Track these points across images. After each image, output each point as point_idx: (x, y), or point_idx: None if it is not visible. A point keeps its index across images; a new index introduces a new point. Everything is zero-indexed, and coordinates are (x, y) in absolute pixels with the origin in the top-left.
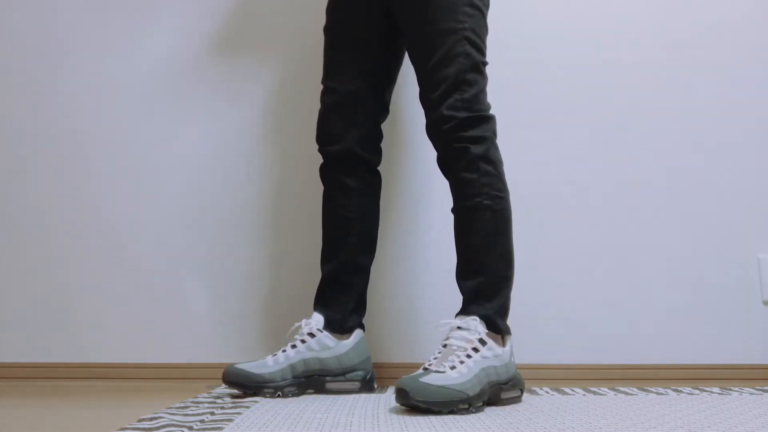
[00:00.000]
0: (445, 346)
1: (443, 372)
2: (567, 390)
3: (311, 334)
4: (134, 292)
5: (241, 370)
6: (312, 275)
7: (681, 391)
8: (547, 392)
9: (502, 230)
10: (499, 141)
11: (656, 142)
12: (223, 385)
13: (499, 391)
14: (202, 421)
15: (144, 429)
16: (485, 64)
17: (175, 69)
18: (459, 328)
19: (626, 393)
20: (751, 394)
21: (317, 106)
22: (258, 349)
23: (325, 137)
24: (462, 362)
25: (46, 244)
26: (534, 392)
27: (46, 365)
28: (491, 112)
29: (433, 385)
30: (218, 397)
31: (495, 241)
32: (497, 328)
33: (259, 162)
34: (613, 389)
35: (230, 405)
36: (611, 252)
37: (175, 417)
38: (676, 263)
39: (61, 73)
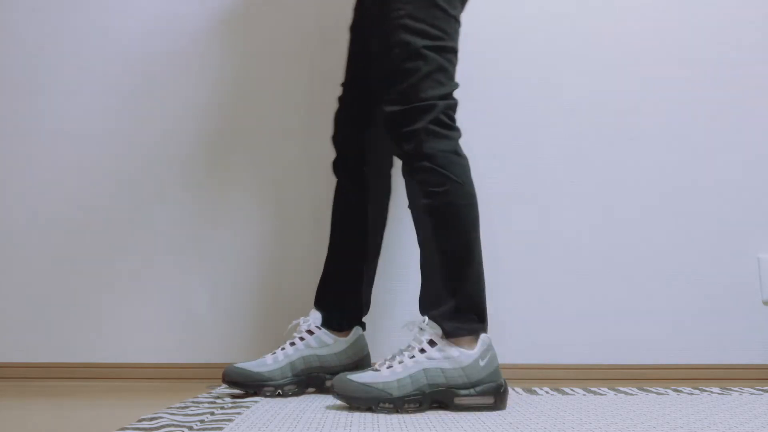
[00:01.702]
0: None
1: (378, 371)
2: (567, 390)
3: (309, 332)
4: (134, 292)
5: (241, 369)
6: (313, 275)
7: (681, 391)
8: (547, 392)
9: (446, 227)
10: (499, 140)
11: (656, 141)
12: (223, 385)
13: (452, 395)
14: (202, 421)
15: (144, 429)
16: (436, 47)
17: (175, 66)
18: (420, 329)
19: (626, 393)
20: (751, 394)
21: (319, 106)
22: (258, 348)
23: (336, 135)
24: (401, 362)
25: (46, 244)
26: (534, 392)
27: (47, 365)
28: (453, 94)
29: (355, 382)
30: (218, 397)
31: (439, 241)
32: (448, 332)
33: (261, 162)
34: (613, 389)
35: (230, 405)
36: (611, 252)
37: (175, 417)
38: (676, 263)
39: (62, 72)
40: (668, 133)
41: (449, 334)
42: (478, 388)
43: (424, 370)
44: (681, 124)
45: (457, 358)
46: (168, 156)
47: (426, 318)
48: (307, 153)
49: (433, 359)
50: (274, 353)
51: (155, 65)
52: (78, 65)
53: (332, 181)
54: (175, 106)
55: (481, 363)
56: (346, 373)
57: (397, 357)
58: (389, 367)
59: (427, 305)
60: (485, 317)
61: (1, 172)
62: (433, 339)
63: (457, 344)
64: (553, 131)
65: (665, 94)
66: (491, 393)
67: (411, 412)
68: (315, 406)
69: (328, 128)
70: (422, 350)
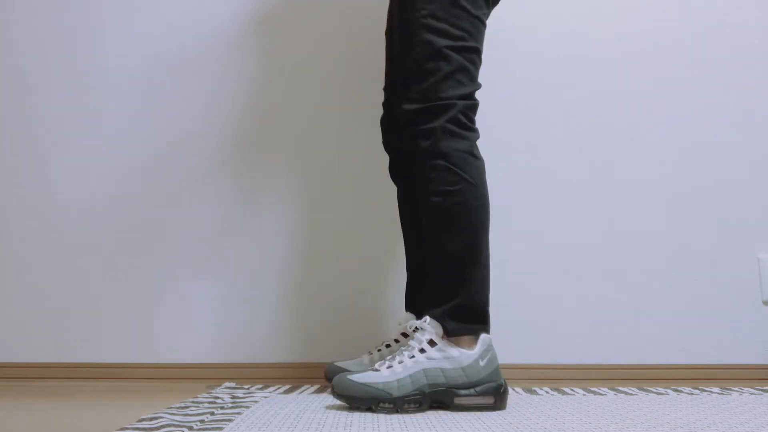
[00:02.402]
0: None
1: (378, 370)
2: (567, 390)
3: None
4: (134, 292)
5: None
6: (313, 276)
7: (681, 391)
8: (547, 392)
9: (455, 227)
10: (499, 140)
11: (656, 142)
12: (224, 385)
13: (452, 395)
14: (202, 421)
15: (144, 429)
16: (457, 47)
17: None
18: (418, 328)
19: (626, 393)
20: (751, 394)
21: (317, 105)
22: (258, 348)
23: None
24: (401, 362)
25: (46, 244)
26: (534, 392)
27: (46, 365)
28: (474, 95)
29: (356, 382)
30: (218, 397)
31: (447, 240)
32: (450, 331)
33: (262, 164)
34: (613, 389)
35: (230, 405)
36: (611, 252)
37: (175, 417)
38: (676, 263)
39: (62, 73)
40: (669, 133)
41: (450, 333)
42: (478, 388)
43: (423, 370)
44: (681, 125)
45: (457, 358)
46: (169, 156)
47: (427, 317)
48: (312, 155)
49: (433, 359)
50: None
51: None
52: (91, 64)
53: (338, 182)
54: (176, 103)
55: (481, 363)
56: (346, 372)
57: (397, 357)
58: (389, 367)
59: (429, 303)
60: (487, 319)
61: (2, 172)
62: (433, 339)
63: (458, 344)
64: (554, 131)
65: (666, 95)
66: (491, 393)
67: (411, 412)
68: (315, 406)
69: (340, 132)
70: (422, 350)
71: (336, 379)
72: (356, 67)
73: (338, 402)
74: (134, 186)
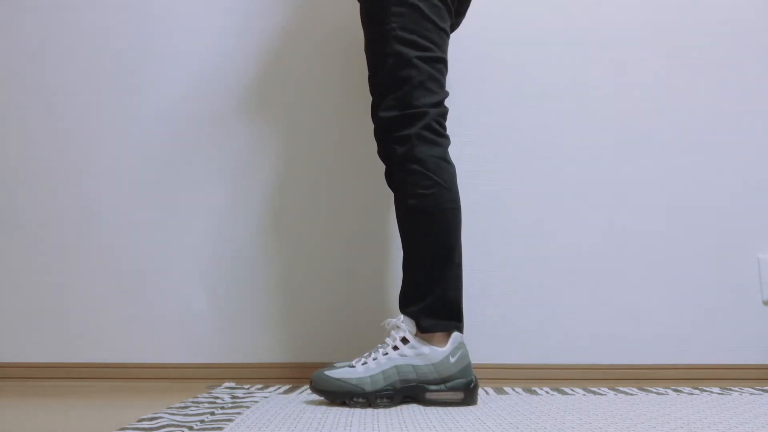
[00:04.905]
0: None
1: (353, 366)
2: (567, 390)
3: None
4: (134, 292)
5: None
6: (311, 276)
7: (681, 391)
8: (547, 392)
9: (429, 228)
10: (498, 141)
11: (656, 141)
12: (224, 385)
13: (423, 390)
14: (202, 421)
15: (144, 429)
16: (426, 57)
17: (176, 65)
18: (396, 326)
19: (626, 393)
20: (751, 394)
21: (311, 104)
22: (259, 349)
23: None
24: (375, 359)
25: (46, 244)
26: (534, 392)
27: (46, 365)
28: (444, 102)
29: (331, 377)
30: (218, 397)
31: (422, 240)
32: (424, 327)
33: (263, 163)
34: (613, 389)
35: (230, 405)
36: (611, 252)
37: (175, 417)
38: (676, 263)
39: (62, 72)
40: (668, 132)
41: (425, 330)
42: (448, 384)
43: (395, 366)
44: (681, 125)
45: (428, 354)
46: (168, 155)
47: (402, 316)
48: (310, 155)
49: (405, 356)
50: None
51: (152, 63)
52: (76, 63)
53: (339, 186)
54: (184, 108)
55: (452, 360)
56: (323, 369)
57: (372, 354)
58: (364, 363)
59: (405, 301)
60: (461, 316)
61: (2, 172)
62: (406, 336)
63: (429, 341)
64: (553, 131)
65: (666, 94)
66: (461, 389)
67: (383, 407)
68: (315, 406)
69: (342, 139)
70: (395, 347)
71: (314, 374)
72: (361, 77)
73: (317, 397)
74: (134, 186)
